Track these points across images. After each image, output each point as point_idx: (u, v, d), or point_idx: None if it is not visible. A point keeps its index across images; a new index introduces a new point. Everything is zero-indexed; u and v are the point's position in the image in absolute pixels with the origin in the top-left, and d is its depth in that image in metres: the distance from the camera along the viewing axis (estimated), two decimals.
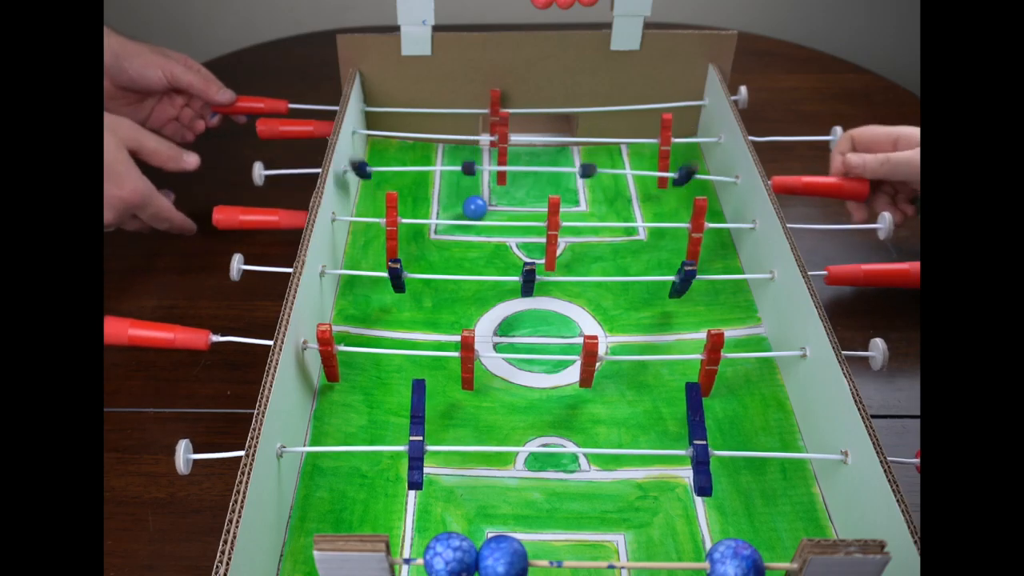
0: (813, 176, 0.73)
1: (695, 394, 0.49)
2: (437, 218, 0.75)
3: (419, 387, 0.49)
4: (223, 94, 0.79)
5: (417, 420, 0.49)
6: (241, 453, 0.45)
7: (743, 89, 0.78)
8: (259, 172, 0.72)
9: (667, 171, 0.75)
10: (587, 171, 0.71)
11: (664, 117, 0.74)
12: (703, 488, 0.48)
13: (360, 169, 0.69)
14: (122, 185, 0.66)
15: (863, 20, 1.29)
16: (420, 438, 0.48)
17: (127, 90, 0.77)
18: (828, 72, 1.01)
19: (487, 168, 0.80)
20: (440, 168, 0.80)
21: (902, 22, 1.27)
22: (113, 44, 0.75)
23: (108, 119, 0.68)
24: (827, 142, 0.76)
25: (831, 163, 0.74)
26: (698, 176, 0.76)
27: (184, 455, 0.48)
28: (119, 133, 0.67)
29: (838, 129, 0.75)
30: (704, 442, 0.48)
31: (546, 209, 0.74)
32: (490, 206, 0.77)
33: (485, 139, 0.84)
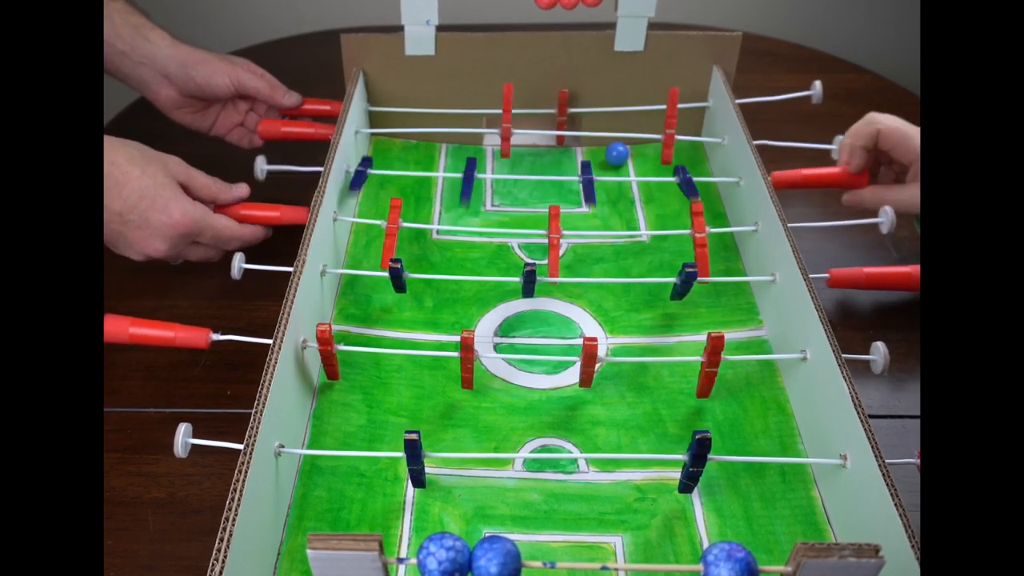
0: (812, 168, 0.73)
1: (703, 448, 0.48)
2: (439, 218, 0.75)
3: (411, 446, 0.48)
4: (289, 97, 0.80)
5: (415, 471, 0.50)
6: (240, 446, 0.46)
7: (817, 84, 0.78)
8: (261, 167, 0.72)
9: (671, 146, 0.77)
10: (588, 185, 0.71)
11: (671, 91, 0.75)
12: (686, 487, 0.51)
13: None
14: (170, 212, 0.64)
15: (863, 20, 1.28)
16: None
17: (194, 98, 0.77)
18: (828, 72, 1.01)
19: (490, 176, 0.80)
20: (443, 175, 0.80)
21: (902, 22, 1.26)
22: (180, 54, 0.75)
23: (158, 154, 0.67)
24: (830, 149, 0.76)
25: (840, 152, 0.73)
26: (701, 179, 0.76)
27: (183, 438, 0.48)
28: (168, 166, 0.66)
29: (840, 139, 0.75)
30: (700, 469, 0.49)
31: (548, 210, 0.75)
32: (492, 206, 0.77)
33: (489, 138, 0.84)
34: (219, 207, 0.70)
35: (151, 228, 0.65)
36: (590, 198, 0.72)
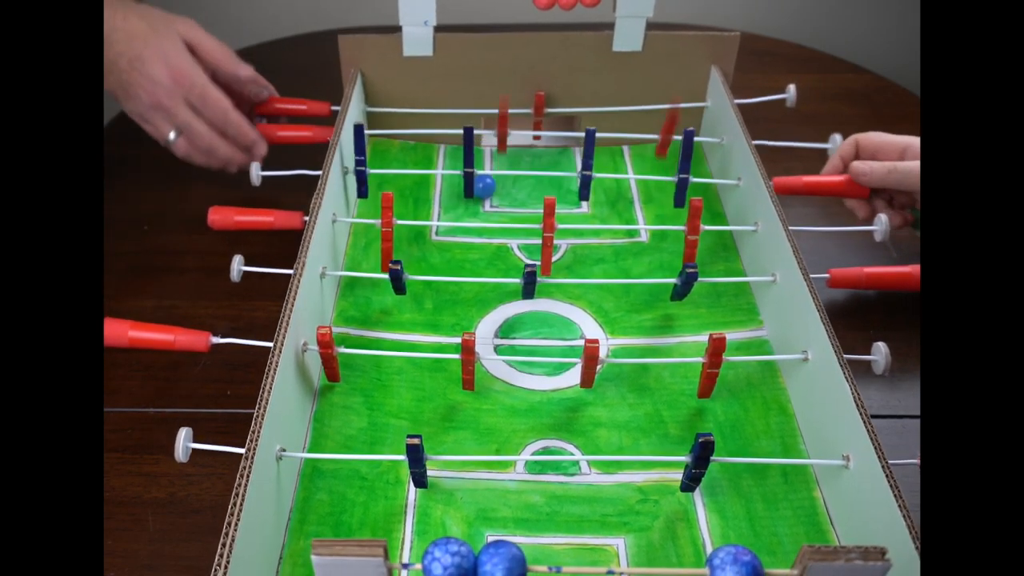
0: (814, 176, 0.73)
1: (707, 452, 0.48)
2: (438, 219, 0.75)
3: (413, 451, 0.49)
4: (257, 92, 0.80)
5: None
6: (241, 450, 0.45)
7: (792, 88, 0.78)
8: (256, 172, 0.72)
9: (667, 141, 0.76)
10: (585, 182, 0.71)
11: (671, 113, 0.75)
12: (687, 486, 0.51)
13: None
14: (167, 58, 0.70)
15: (863, 20, 1.28)
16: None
17: None
18: (828, 72, 1.01)
19: (489, 172, 0.80)
20: (441, 172, 0.80)
21: (902, 22, 1.26)
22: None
23: (169, 16, 0.72)
24: (828, 148, 0.76)
25: (828, 163, 0.74)
26: (700, 179, 0.76)
27: (184, 443, 0.48)
28: (175, 25, 0.71)
29: (837, 137, 0.75)
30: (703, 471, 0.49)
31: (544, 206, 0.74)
32: (492, 207, 0.77)
33: (488, 139, 0.84)
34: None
35: (147, 73, 0.70)
36: (585, 195, 0.72)
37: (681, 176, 0.71)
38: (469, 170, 0.72)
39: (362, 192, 0.73)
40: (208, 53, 0.73)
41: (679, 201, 0.73)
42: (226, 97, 0.73)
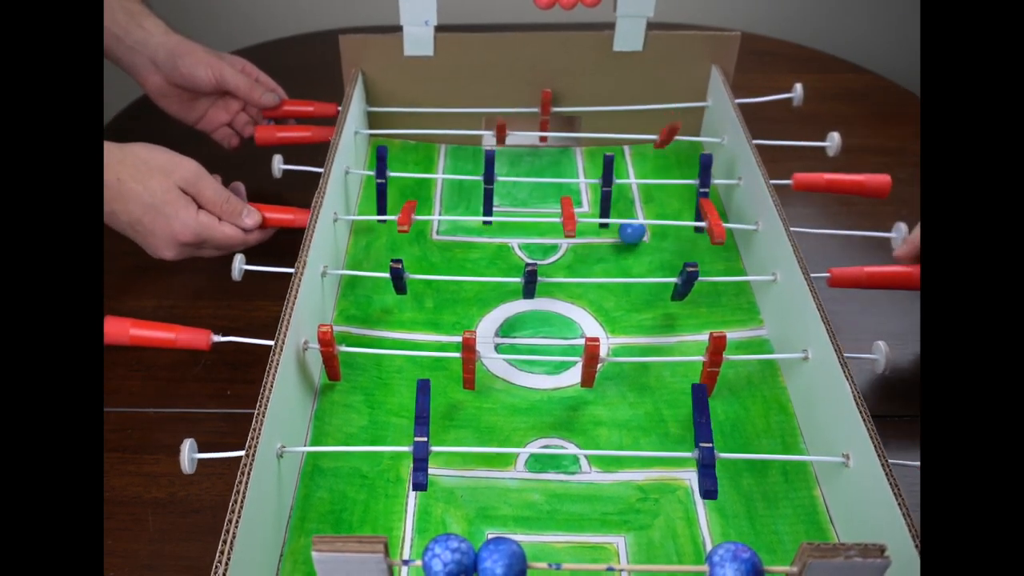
0: (834, 174, 0.73)
1: (701, 395, 0.49)
2: (439, 219, 0.75)
3: (424, 388, 0.49)
4: (267, 97, 0.79)
5: (422, 421, 0.49)
6: (242, 453, 0.45)
7: (798, 87, 0.78)
8: (277, 166, 0.72)
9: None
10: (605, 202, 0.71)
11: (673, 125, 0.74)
12: (708, 491, 0.48)
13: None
14: (171, 226, 0.66)
15: (863, 20, 1.28)
16: (424, 439, 0.48)
17: (180, 87, 0.78)
18: (828, 72, 1.01)
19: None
20: (441, 177, 0.80)
21: (902, 22, 1.26)
22: (170, 43, 0.76)
23: (164, 164, 0.67)
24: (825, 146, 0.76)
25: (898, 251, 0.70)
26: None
27: (189, 454, 0.48)
28: (175, 175, 0.66)
29: (835, 135, 0.74)
30: (710, 445, 0.48)
31: (548, 209, 0.74)
32: (492, 206, 0.77)
33: (488, 138, 0.84)
34: None
35: (156, 237, 0.67)
36: (606, 213, 0.71)
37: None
38: (489, 186, 0.71)
39: (382, 208, 0.72)
40: (208, 204, 0.68)
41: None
42: (236, 231, 0.69)
